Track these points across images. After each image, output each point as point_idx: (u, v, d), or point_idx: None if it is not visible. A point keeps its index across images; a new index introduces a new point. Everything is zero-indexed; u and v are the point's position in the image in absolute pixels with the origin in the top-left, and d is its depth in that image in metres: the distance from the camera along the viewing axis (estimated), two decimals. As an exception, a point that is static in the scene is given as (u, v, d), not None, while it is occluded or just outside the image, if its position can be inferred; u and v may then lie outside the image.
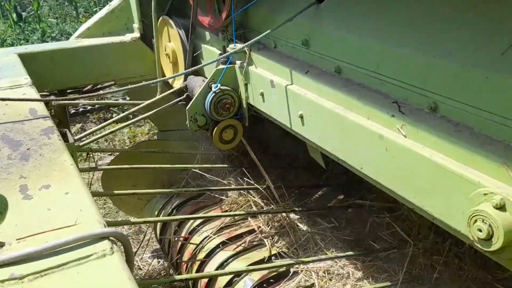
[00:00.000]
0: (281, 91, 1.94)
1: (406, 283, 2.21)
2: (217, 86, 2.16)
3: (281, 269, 2.34)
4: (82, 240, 0.96)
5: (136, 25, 2.86)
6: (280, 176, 3.11)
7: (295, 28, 1.92)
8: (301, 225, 2.70)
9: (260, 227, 2.70)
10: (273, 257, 2.49)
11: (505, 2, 1.20)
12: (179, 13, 2.77)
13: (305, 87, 1.84)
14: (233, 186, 3.02)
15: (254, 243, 2.64)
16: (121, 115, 2.76)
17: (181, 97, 2.47)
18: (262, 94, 2.08)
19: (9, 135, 1.52)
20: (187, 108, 2.21)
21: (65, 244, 0.93)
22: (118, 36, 2.90)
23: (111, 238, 1.02)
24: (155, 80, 2.14)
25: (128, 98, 3.92)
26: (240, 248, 2.59)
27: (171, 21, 2.63)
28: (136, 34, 2.86)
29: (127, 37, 2.84)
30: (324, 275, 2.34)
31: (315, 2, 1.84)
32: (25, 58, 2.45)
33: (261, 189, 2.82)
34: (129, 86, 2.11)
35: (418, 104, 1.45)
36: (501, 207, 1.11)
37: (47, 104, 2.05)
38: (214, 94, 2.17)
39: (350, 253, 2.45)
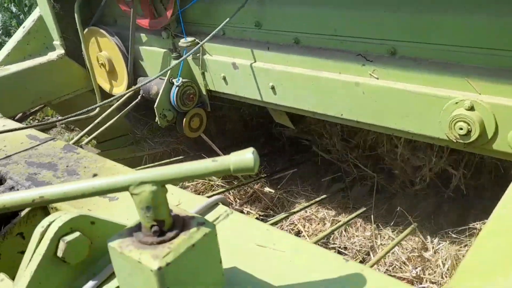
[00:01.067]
0: (246, 70, 2.19)
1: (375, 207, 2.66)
2: (179, 80, 2.32)
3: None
4: (208, 206, 1.14)
5: (57, 42, 2.81)
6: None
7: (244, 14, 2.16)
8: (267, 189, 2.99)
9: (230, 200, 2.93)
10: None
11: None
12: (105, 22, 2.81)
13: (270, 62, 2.11)
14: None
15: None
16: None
17: (136, 100, 2.55)
18: (224, 78, 2.30)
19: (34, 161, 1.54)
20: (155, 106, 2.33)
21: (202, 210, 1.11)
22: (39, 56, 2.82)
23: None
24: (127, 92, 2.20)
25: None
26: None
27: (101, 31, 2.67)
28: (61, 50, 2.81)
29: (53, 55, 2.79)
30: (304, 222, 2.68)
31: (259, -13, 2.11)
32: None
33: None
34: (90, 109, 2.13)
35: (378, 52, 1.82)
36: (471, 108, 1.54)
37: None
38: (177, 87, 2.32)
39: (317, 199, 2.82)
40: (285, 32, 2.09)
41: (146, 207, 0.75)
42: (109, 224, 1.00)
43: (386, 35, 1.78)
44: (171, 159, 3.12)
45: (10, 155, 1.61)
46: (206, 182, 3.09)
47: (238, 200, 2.91)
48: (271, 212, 2.82)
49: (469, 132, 1.55)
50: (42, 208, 1.35)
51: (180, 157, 3.16)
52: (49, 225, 0.93)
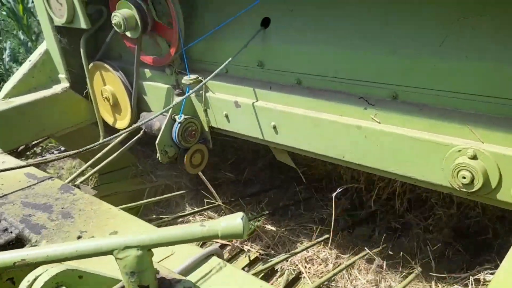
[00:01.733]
0: (248, 109, 2.18)
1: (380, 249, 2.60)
2: (181, 117, 2.32)
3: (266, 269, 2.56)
4: (201, 259, 1.11)
5: (63, 75, 2.84)
6: (235, 189, 3.32)
7: (247, 53, 2.17)
8: (269, 227, 2.95)
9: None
10: (255, 262, 2.71)
11: (438, 8, 1.60)
12: (111, 56, 2.84)
13: (272, 101, 2.10)
14: (188, 211, 3.15)
15: (230, 256, 2.82)
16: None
17: (138, 135, 2.55)
18: (226, 116, 2.30)
19: (30, 201, 1.53)
20: (156, 142, 2.32)
21: (194, 263, 1.08)
22: (44, 89, 2.85)
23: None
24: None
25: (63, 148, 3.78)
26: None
27: (106, 65, 2.69)
28: (65, 84, 2.84)
29: (57, 88, 2.81)
30: (306, 263, 2.62)
31: (262, 28, 2.12)
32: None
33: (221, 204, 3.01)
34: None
35: (380, 96, 1.81)
36: (474, 157, 1.51)
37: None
38: (179, 124, 2.32)
39: (320, 239, 2.77)
40: (288, 73, 2.09)
41: (130, 272, 0.72)
42: (99, 278, 0.97)
43: (387, 79, 1.77)
44: (173, 194, 3.10)
45: (7, 194, 1.59)
46: (206, 217, 3.05)
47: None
48: (272, 251, 2.76)
49: (472, 181, 1.52)
50: (33, 253, 1.32)
51: (182, 191, 3.14)
52: (35, 279, 0.90)
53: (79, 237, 1.20)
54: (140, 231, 1.30)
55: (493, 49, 1.50)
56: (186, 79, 2.32)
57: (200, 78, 2.33)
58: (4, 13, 9.57)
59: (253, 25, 2.13)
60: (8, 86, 2.76)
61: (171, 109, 2.34)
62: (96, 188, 3.23)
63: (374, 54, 1.78)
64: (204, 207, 3.07)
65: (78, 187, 1.65)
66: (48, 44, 2.81)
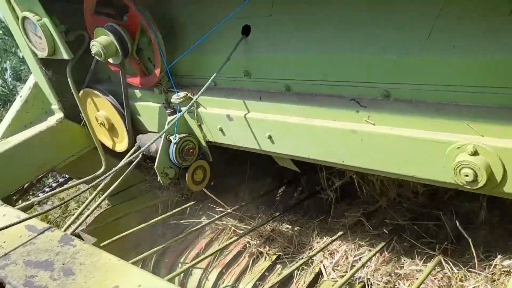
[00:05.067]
0: (240, 121, 2.13)
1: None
2: (176, 137, 2.28)
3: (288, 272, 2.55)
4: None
5: (55, 106, 2.82)
6: (248, 192, 3.29)
7: (232, 63, 2.10)
8: (284, 227, 2.93)
9: (249, 242, 2.87)
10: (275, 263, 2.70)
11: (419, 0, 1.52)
12: (99, 79, 2.81)
13: (263, 111, 2.05)
14: (203, 219, 3.15)
15: (249, 261, 2.81)
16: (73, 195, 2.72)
17: (138, 158, 2.52)
18: (221, 129, 2.25)
19: (31, 259, 1.52)
20: (155, 166, 2.30)
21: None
22: (40, 122, 2.84)
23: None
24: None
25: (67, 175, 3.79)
26: (239, 269, 2.75)
27: (96, 92, 2.66)
28: (60, 114, 2.82)
29: (52, 120, 2.79)
30: (325, 258, 2.60)
31: (243, 37, 2.05)
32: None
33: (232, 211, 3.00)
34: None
35: (372, 95, 1.74)
36: (475, 153, 1.45)
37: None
38: (175, 145, 2.28)
39: (337, 235, 2.73)
40: (275, 80, 2.03)
41: None
42: None
43: (377, 77, 1.70)
44: (184, 206, 3.08)
45: (8, 253, 1.59)
46: (220, 225, 3.04)
47: (254, 242, 2.85)
48: (290, 252, 2.74)
49: (476, 178, 1.45)
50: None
51: (191, 202, 3.13)
52: None
53: None
54: (142, 283, 1.29)
55: (482, 37, 1.42)
56: (175, 97, 2.27)
57: (189, 95, 2.28)
58: (0, 32, 9.61)
59: (234, 34, 2.07)
60: (3, 126, 2.76)
61: (163, 130, 2.30)
62: (109, 210, 3.25)
63: (361, 54, 1.71)
64: (219, 215, 3.05)
65: (78, 235, 1.65)
66: (36, 77, 2.79)
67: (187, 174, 2.38)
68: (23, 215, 1.82)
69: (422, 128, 1.59)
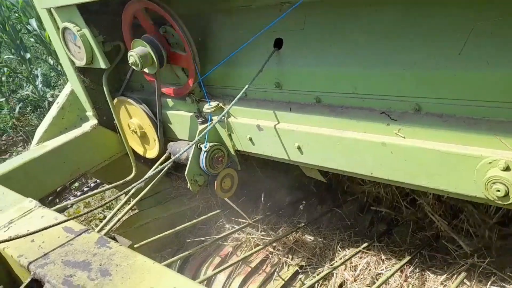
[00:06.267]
0: (270, 131, 2.18)
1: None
2: (206, 146, 2.34)
3: (312, 281, 2.56)
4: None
5: (90, 113, 2.92)
6: (272, 202, 3.33)
7: (263, 75, 2.15)
8: (307, 237, 2.94)
9: (272, 252, 2.90)
10: (297, 272, 2.72)
11: (451, 16, 1.54)
12: (133, 88, 2.90)
13: (294, 122, 2.09)
14: (227, 228, 3.19)
15: (272, 270, 2.84)
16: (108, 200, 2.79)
17: (168, 165, 2.58)
18: (250, 139, 2.30)
19: (70, 259, 1.59)
20: (185, 173, 2.36)
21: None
22: (74, 128, 2.95)
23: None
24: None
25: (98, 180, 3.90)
26: (262, 277, 2.77)
27: (129, 100, 2.75)
28: (94, 121, 2.92)
29: (87, 126, 2.90)
30: (349, 271, 2.61)
31: (275, 49, 2.10)
32: (1, 181, 2.43)
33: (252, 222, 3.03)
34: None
35: (402, 109, 1.76)
36: (506, 168, 1.45)
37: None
38: (206, 153, 2.34)
39: (359, 248, 2.74)
40: (306, 92, 2.07)
41: None
42: None
43: (408, 91, 1.72)
44: (209, 214, 3.13)
45: (48, 253, 1.66)
46: (245, 235, 3.07)
47: (279, 251, 2.88)
48: (312, 263, 2.76)
49: (507, 193, 1.46)
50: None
51: (217, 211, 3.17)
52: None
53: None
54: (176, 285, 1.33)
55: (515, 54, 1.43)
56: (207, 107, 2.34)
57: (220, 104, 2.34)
58: (32, 39, 9.94)
59: (266, 47, 2.12)
60: (40, 131, 2.87)
61: (195, 139, 2.36)
62: (137, 215, 3.32)
63: (392, 68, 1.73)
64: (241, 226, 3.09)
65: (113, 238, 1.71)
66: (73, 84, 2.89)
67: (216, 181, 2.43)
68: (61, 217, 1.89)
69: (453, 142, 1.60)
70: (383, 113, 1.80)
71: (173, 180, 3.46)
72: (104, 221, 2.42)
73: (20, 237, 1.75)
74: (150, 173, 2.25)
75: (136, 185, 2.14)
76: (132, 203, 2.61)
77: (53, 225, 1.77)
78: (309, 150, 2.07)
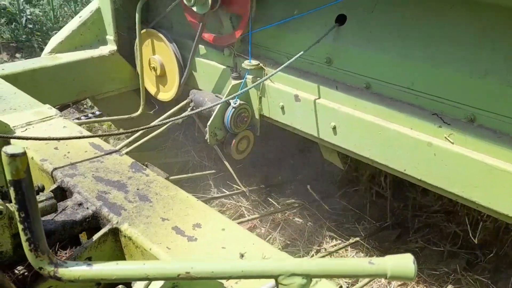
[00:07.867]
0: (308, 105, 2.14)
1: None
2: (236, 102, 2.27)
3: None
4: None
5: (111, 37, 2.76)
6: (263, 176, 3.30)
7: (315, 47, 2.11)
8: (296, 219, 2.95)
9: (256, 225, 2.89)
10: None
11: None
12: (162, 25, 2.77)
13: (337, 102, 2.07)
14: (213, 192, 3.14)
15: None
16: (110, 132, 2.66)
17: (191, 112, 2.48)
18: (282, 107, 2.26)
19: (102, 177, 1.49)
20: (208, 124, 2.29)
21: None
22: (90, 48, 2.78)
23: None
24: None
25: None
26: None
27: (160, 35, 2.63)
28: (113, 46, 2.76)
29: (105, 50, 2.74)
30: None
31: (336, 25, 2.07)
32: (7, 80, 2.26)
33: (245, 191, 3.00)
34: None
35: (455, 115, 1.78)
36: (553, 195, 1.51)
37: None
38: (234, 109, 2.28)
39: (349, 242, 2.78)
40: (356, 75, 2.05)
41: (291, 299, 0.71)
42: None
43: (467, 100, 1.74)
44: (203, 173, 3.07)
45: (75, 163, 1.56)
46: (234, 207, 3.03)
47: (264, 227, 2.87)
48: (298, 245, 2.77)
49: (546, 219, 1.51)
50: (113, 235, 1.30)
51: (210, 171, 3.11)
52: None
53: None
54: (225, 227, 1.29)
55: None
56: (247, 63, 2.27)
57: (261, 64, 2.29)
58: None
59: (327, 20, 2.08)
60: (55, 40, 2.69)
61: (227, 92, 2.30)
62: (130, 154, 3.19)
63: (458, 73, 1.73)
64: (232, 192, 3.06)
65: (147, 166, 1.62)
66: (101, 2, 2.72)
67: (234, 140, 2.37)
68: (86, 132, 1.78)
69: (504, 159, 1.64)
70: (435, 115, 1.81)
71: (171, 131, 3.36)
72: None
73: (44, 139, 1.62)
74: (171, 112, 2.17)
75: (161, 123, 2.05)
76: (140, 142, 2.51)
77: (79, 137, 1.66)
78: (345, 133, 2.06)
